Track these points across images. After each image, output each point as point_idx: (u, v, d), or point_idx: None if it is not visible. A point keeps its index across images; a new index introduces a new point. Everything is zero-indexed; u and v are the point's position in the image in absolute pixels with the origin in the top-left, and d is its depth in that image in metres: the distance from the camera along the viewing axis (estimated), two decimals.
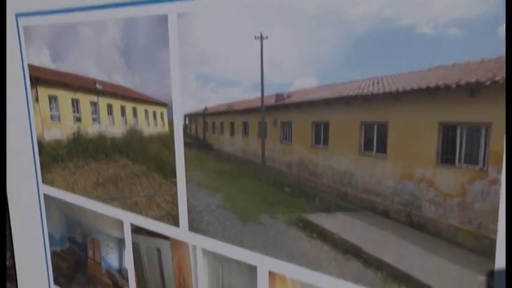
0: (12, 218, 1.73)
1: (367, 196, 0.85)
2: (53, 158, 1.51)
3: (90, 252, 1.49)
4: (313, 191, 0.92)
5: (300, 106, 0.92)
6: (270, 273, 1.03)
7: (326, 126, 0.88)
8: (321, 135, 0.90)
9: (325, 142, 0.89)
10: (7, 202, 1.71)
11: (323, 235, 0.93)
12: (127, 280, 1.39)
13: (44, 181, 1.58)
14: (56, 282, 1.69)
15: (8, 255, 1.86)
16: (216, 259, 1.12)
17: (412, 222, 0.81)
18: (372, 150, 0.83)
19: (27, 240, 1.73)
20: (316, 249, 0.94)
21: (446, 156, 0.75)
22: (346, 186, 0.88)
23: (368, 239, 0.87)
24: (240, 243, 1.06)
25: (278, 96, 0.94)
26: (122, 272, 1.40)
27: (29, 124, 1.55)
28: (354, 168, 0.86)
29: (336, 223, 0.91)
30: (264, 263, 1.03)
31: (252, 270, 1.05)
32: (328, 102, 0.87)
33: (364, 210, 0.86)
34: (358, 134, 0.85)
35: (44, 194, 1.60)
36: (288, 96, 0.92)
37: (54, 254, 1.66)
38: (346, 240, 0.90)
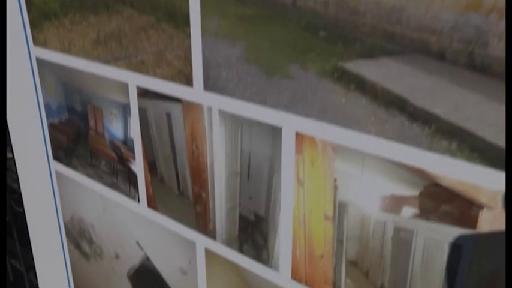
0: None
1: (420, 35, 0.77)
2: (44, 13, 1.41)
3: (91, 122, 1.45)
4: (353, 34, 0.84)
5: None
6: (297, 134, 0.97)
7: None
8: None
9: None
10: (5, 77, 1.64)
11: (362, 86, 0.86)
12: (133, 151, 1.35)
13: (35, 42, 1.50)
14: (55, 157, 1.67)
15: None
16: (234, 122, 1.07)
17: (473, 64, 0.73)
18: None
19: (21, 113, 1.69)
20: (353, 104, 0.88)
21: None
22: (394, 25, 0.79)
23: (416, 88, 0.80)
24: (263, 102, 1.00)
25: None
26: (127, 142, 1.36)
27: None
28: (406, 1, 0.77)
29: (379, 71, 0.83)
30: (291, 123, 0.97)
31: (276, 132, 1.00)
32: None
33: (414, 53, 0.78)
34: None
35: (36, 58, 1.53)
36: None
37: (51, 127, 1.62)
38: (389, 91, 0.83)
